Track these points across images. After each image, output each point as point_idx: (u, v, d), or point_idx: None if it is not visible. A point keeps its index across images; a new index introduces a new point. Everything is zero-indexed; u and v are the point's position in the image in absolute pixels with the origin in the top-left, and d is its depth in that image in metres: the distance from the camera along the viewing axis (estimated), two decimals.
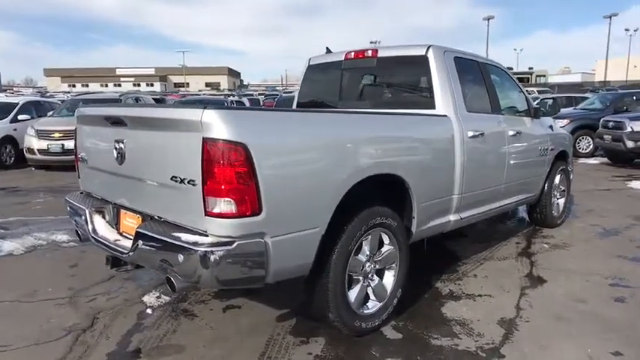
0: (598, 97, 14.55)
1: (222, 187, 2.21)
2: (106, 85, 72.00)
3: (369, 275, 3.02)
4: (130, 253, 2.62)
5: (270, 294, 3.48)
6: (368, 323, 2.97)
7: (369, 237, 2.94)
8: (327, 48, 4.72)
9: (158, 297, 3.62)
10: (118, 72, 79.36)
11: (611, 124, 10.42)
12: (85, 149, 3.25)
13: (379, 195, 3.02)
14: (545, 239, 5.13)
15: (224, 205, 2.22)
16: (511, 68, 54.90)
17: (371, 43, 72.15)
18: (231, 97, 22.62)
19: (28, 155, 10.32)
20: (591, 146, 11.95)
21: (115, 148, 2.79)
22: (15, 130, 11.16)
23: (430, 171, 3.40)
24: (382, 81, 4.22)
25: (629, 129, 9.80)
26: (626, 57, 50.28)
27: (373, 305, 3.04)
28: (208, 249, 2.22)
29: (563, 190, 5.73)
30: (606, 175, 9.49)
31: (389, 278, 3.15)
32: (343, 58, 4.34)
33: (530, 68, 50.76)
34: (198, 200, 2.28)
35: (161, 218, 2.60)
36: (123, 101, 11.87)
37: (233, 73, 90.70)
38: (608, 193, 7.87)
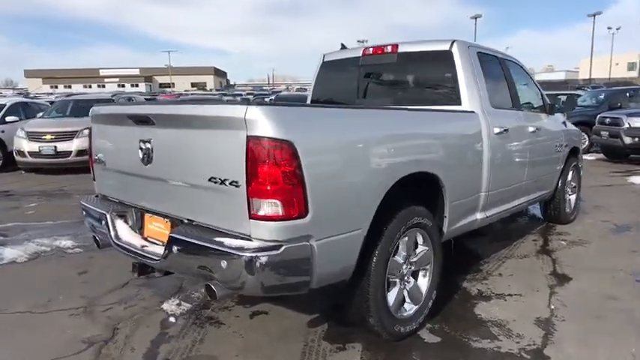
0: (590, 94, 14.66)
1: (268, 188, 2.08)
2: (90, 86, 70.83)
3: (405, 277, 2.91)
4: (162, 260, 2.47)
5: (297, 298, 3.34)
6: (406, 327, 2.86)
7: (406, 238, 2.84)
8: (342, 44, 4.61)
9: (179, 304, 3.46)
10: (102, 73, 78.08)
11: (608, 120, 10.49)
12: (102, 150, 3.09)
13: (413, 194, 2.92)
14: (561, 236, 5.09)
15: (270, 207, 2.10)
16: None
17: (358, 42, 72.13)
18: (227, 97, 22.24)
19: (18, 158, 10.01)
20: (587, 142, 12.03)
21: (140, 149, 2.63)
22: (2, 132, 10.83)
23: (461, 168, 3.31)
24: (403, 77, 4.12)
25: (626, 125, 9.88)
26: (609, 55, 51.11)
27: (410, 308, 2.94)
28: (254, 254, 2.09)
29: (575, 187, 5.70)
30: (605, 171, 9.55)
31: (423, 280, 3.05)
32: (361, 54, 4.24)
33: None
34: (241, 202, 2.14)
35: (192, 222, 2.46)
36: (115, 101, 11.60)
37: (219, 73, 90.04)
38: (611, 188, 7.89)
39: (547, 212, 5.46)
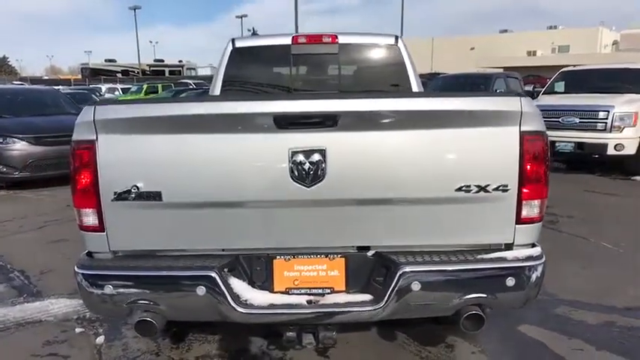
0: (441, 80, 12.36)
1: (537, 187, 1.92)
2: None
3: None
4: (383, 307, 1.83)
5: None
6: None
7: None
8: (253, 29, 4.09)
9: None
10: None
11: None
12: (149, 177, 1.85)
13: None
14: None
15: (534, 208, 1.95)
16: (162, 60, 55.13)
17: None
18: None
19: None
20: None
21: (297, 163, 1.81)
22: None
23: None
24: (347, 67, 4.03)
25: None
26: None
27: None
28: (539, 262, 1.92)
29: None
30: None
31: None
32: (291, 42, 3.87)
33: (180, 61, 52.61)
34: (508, 208, 1.90)
35: (368, 248, 1.99)
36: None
37: None
38: None
39: None
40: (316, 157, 1.81)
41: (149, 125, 1.83)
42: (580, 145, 7.39)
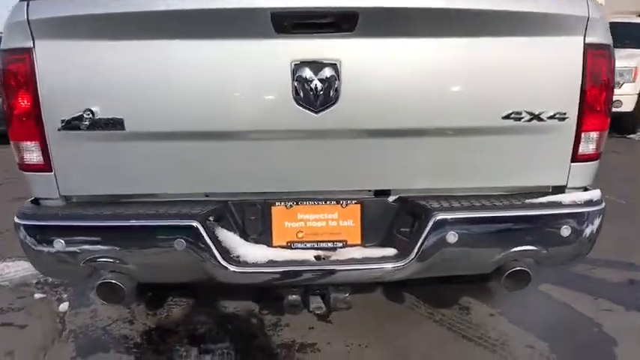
0: None
1: (601, 117, 1.56)
2: None
3: None
4: (410, 263, 1.47)
5: None
6: None
7: None
8: None
9: None
10: None
11: None
12: (114, 98, 1.41)
13: None
14: None
15: (594, 143, 1.59)
16: None
17: None
18: None
19: None
20: None
21: (299, 81, 1.39)
22: None
23: None
24: None
25: None
26: None
27: None
28: (596, 208, 1.59)
29: None
30: None
31: None
32: None
33: None
34: (563, 142, 1.54)
35: (388, 192, 1.63)
36: None
37: None
38: None
39: None
40: (327, 72, 1.40)
41: (106, 27, 1.38)
42: None
